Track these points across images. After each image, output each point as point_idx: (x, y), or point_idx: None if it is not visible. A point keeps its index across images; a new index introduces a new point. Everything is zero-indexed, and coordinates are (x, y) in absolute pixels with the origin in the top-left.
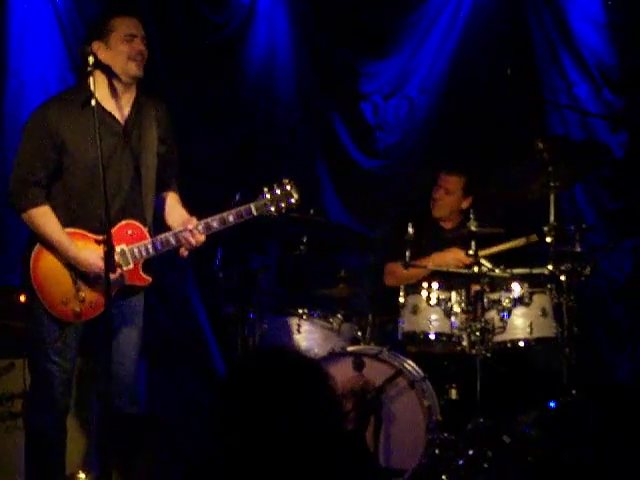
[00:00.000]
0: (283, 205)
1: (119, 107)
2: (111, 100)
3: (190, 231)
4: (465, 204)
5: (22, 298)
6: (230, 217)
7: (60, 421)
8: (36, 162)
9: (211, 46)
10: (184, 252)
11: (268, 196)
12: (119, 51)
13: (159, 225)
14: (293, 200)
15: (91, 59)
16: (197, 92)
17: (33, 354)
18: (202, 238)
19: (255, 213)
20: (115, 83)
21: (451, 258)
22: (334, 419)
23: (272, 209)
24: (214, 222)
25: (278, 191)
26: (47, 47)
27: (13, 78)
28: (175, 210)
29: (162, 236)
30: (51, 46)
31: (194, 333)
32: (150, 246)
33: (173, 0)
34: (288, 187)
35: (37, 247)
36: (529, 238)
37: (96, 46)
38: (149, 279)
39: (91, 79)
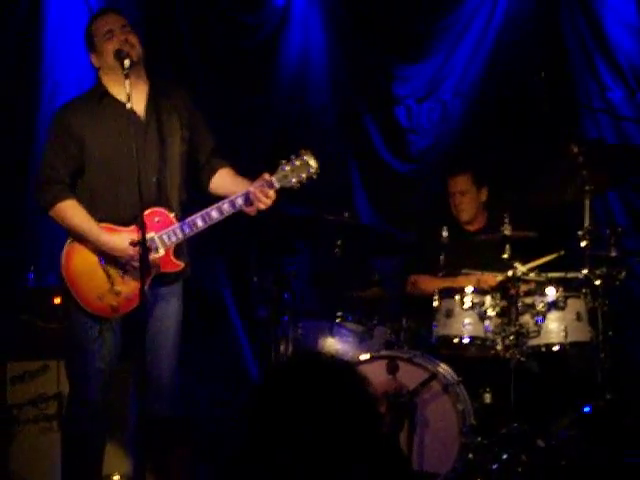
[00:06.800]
0: (304, 176)
1: (135, 99)
2: (125, 93)
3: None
4: (483, 196)
5: (57, 300)
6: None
7: (97, 424)
8: (58, 161)
9: (245, 49)
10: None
11: (287, 168)
12: (105, 51)
13: None
14: (312, 170)
15: (127, 62)
16: (231, 96)
17: (70, 356)
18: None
19: (277, 186)
20: (123, 77)
21: (478, 281)
22: (371, 423)
23: (293, 180)
24: (239, 199)
25: (297, 162)
26: (82, 49)
27: (48, 80)
28: (237, 182)
29: (189, 219)
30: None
31: (227, 336)
32: (178, 230)
33: (208, 3)
34: (305, 157)
35: (67, 246)
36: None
37: (92, 58)
38: (181, 264)
39: (127, 82)
